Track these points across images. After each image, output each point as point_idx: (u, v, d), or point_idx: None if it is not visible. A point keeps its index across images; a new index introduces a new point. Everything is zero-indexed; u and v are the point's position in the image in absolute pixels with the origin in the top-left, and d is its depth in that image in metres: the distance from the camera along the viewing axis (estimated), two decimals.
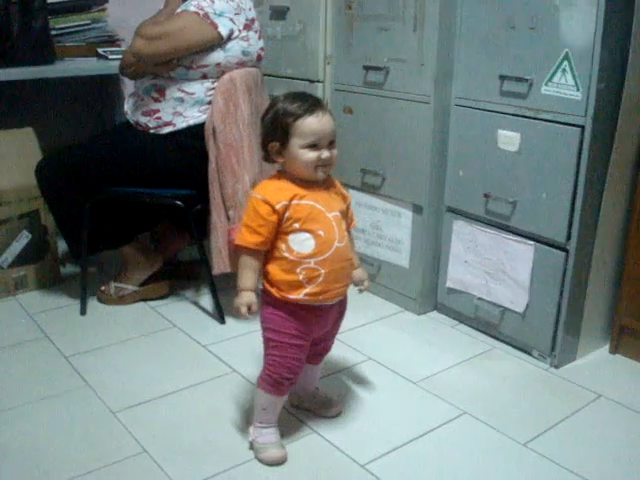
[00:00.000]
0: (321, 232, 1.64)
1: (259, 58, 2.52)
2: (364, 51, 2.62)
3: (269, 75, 2.87)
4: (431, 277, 2.62)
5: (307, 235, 1.64)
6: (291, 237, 1.64)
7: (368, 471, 1.75)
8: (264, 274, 1.69)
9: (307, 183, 1.66)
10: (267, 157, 1.70)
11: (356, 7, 2.61)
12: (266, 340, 1.73)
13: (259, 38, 2.51)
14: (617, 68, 2.07)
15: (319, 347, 1.85)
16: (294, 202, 1.63)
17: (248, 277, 1.66)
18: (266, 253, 1.67)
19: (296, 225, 1.63)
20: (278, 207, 1.61)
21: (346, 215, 1.76)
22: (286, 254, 1.64)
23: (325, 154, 1.63)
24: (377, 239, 2.71)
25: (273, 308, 1.69)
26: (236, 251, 1.68)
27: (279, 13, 2.94)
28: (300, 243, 1.63)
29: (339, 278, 1.70)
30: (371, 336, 2.46)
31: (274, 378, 1.71)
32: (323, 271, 1.65)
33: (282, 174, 1.69)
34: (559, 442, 1.89)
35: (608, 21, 1.98)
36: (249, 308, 1.65)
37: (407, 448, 1.84)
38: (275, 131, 1.65)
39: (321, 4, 2.74)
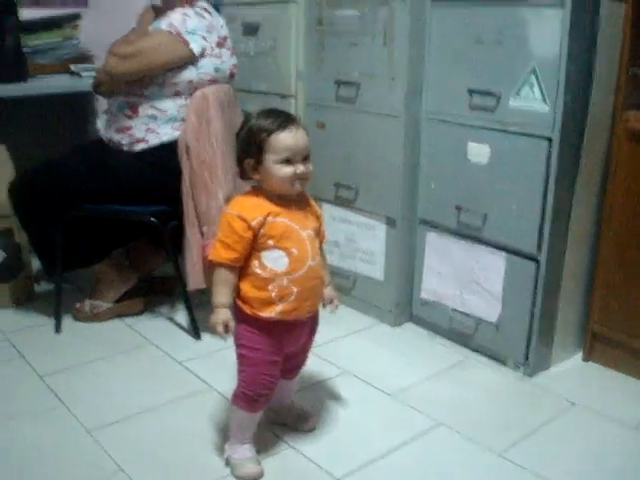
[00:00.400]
0: (295, 250, 1.65)
1: (232, 75, 2.54)
2: (335, 66, 2.64)
3: (242, 91, 2.88)
4: (406, 289, 2.64)
5: (281, 253, 1.65)
6: (265, 254, 1.64)
7: None
8: (236, 291, 1.69)
9: (282, 201, 1.67)
10: (243, 174, 1.71)
11: (327, 23, 2.64)
12: (239, 357, 1.73)
13: (232, 55, 2.52)
14: (583, 81, 2.11)
15: (293, 362, 1.85)
16: (269, 219, 1.64)
17: (223, 293, 1.66)
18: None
19: (270, 242, 1.64)
20: (253, 223, 1.62)
21: (319, 233, 1.77)
22: (259, 271, 1.65)
23: (300, 169, 1.64)
24: (352, 252, 2.73)
25: (245, 324, 1.69)
26: (210, 267, 1.69)
27: (251, 29, 2.96)
28: (274, 260, 1.64)
29: (310, 296, 1.72)
30: (346, 349, 2.47)
31: (249, 395, 1.71)
32: (295, 289, 1.66)
33: (257, 190, 1.69)
34: (534, 451, 1.91)
35: (574, 35, 2.02)
36: (225, 325, 1.65)
37: (383, 461, 1.85)
38: (249, 148, 1.65)
39: (292, 20, 2.77)
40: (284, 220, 1.65)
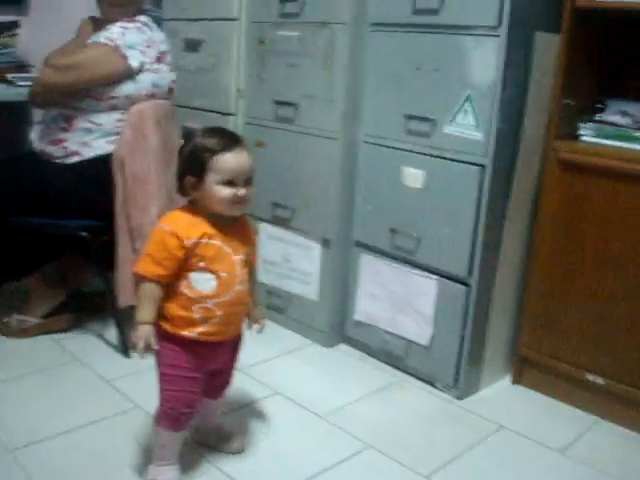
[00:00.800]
0: (224, 274, 1.64)
1: (170, 91, 2.52)
2: (275, 86, 2.65)
3: (182, 107, 2.87)
4: (340, 310, 2.64)
5: (210, 276, 1.63)
6: (194, 275, 1.62)
7: None
8: (161, 308, 1.66)
9: (218, 221, 1.65)
10: (182, 190, 1.68)
11: (268, 43, 2.65)
12: (160, 375, 1.70)
13: (171, 71, 2.51)
14: (516, 110, 2.16)
15: (217, 381, 1.83)
16: (203, 240, 1.62)
17: (147, 309, 1.62)
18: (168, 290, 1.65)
19: (201, 264, 1.62)
20: (187, 243, 1.60)
21: (251, 256, 1.76)
22: (185, 291, 1.63)
23: (241, 192, 1.62)
24: (288, 272, 2.72)
25: (166, 342, 1.66)
26: (136, 280, 1.66)
27: (193, 46, 2.95)
28: (202, 282, 1.62)
29: (234, 321, 1.72)
30: (278, 369, 2.45)
31: (171, 414, 1.69)
32: (219, 313, 1.66)
33: (194, 207, 1.67)
34: (461, 474, 1.93)
35: (508, 64, 2.07)
36: (147, 344, 1.61)
37: None
38: (192, 165, 1.63)
39: (234, 38, 2.77)
40: (218, 243, 1.64)
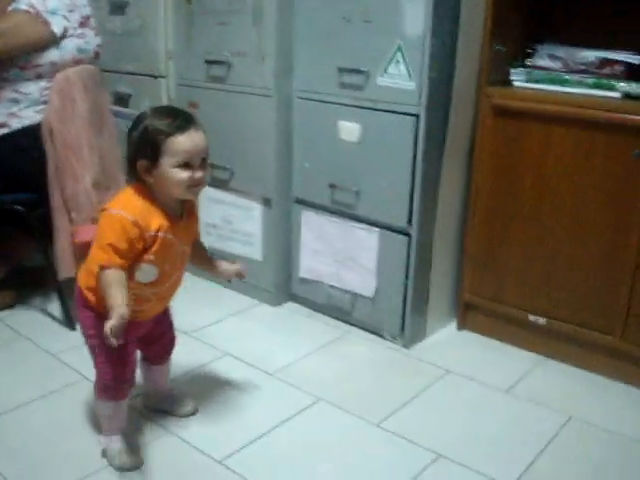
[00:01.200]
0: (167, 266, 1.62)
1: (96, 55, 2.46)
2: (205, 45, 2.60)
3: (110, 71, 2.80)
4: (284, 268, 2.65)
5: (154, 269, 1.60)
6: (139, 266, 1.58)
7: (226, 466, 1.75)
8: (90, 283, 1.61)
9: (171, 209, 1.61)
10: (133, 175, 1.61)
11: (195, 1, 2.59)
12: (92, 347, 1.67)
13: (96, 35, 2.44)
14: (447, 57, 2.17)
15: (157, 346, 1.83)
16: (160, 234, 1.57)
17: (120, 294, 1.51)
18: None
19: (150, 257, 1.58)
20: (147, 235, 1.55)
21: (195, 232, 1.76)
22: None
23: (198, 174, 1.57)
24: (229, 234, 2.71)
25: (91, 311, 1.64)
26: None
27: (118, 8, 2.87)
28: (145, 274, 1.59)
29: (165, 303, 1.74)
30: (227, 331, 2.46)
31: (110, 384, 1.68)
32: (154, 299, 1.66)
33: (146, 190, 1.59)
34: (411, 419, 1.97)
35: (437, 12, 2.06)
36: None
37: (263, 440, 1.86)
38: (144, 149, 1.56)
39: None
40: (169, 236, 1.59)
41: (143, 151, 1.56)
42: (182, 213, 1.66)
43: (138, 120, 1.60)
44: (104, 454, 1.75)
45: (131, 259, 1.55)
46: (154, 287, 1.63)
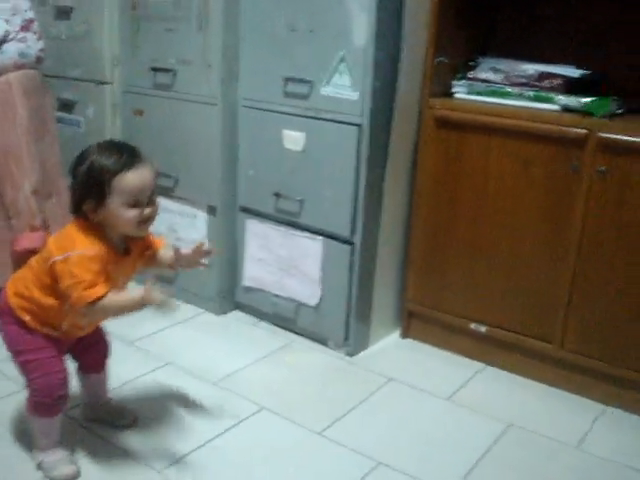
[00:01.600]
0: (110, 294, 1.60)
1: (39, 60, 2.41)
2: (151, 52, 2.58)
3: (55, 77, 2.76)
4: (229, 277, 2.64)
5: None
6: None
7: (165, 476, 1.73)
8: (24, 297, 1.59)
9: (116, 248, 1.59)
10: (78, 213, 1.57)
11: (141, 7, 2.57)
12: (24, 365, 1.64)
13: (38, 39, 2.40)
14: (391, 69, 2.20)
15: (91, 354, 1.81)
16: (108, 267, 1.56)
17: (128, 297, 1.55)
18: (46, 287, 1.58)
19: None
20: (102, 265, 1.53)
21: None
22: (67, 307, 1.57)
23: (147, 211, 1.56)
24: (174, 242, 2.65)
25: (17, 327, 1.61)
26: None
27: (63, 13, 2.83)
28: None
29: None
30: (170, 340, 2.44)
31: (45, 401, 1.64)
32: (87, 322, 1.66)
33: (91, 228, 1.56)
34: (352, 427, 1.98)
35: (380, 24, 2.09)
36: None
37: (204, 449, 1.85)
38: (90, 188, 1.52)
39: (105, 4, 2.67)
40: (114, 275, 1.57)
41: (89, 190, 1.52)
42: (127, 249, 1.63)
43: (83, 156, 1.55)
44: (39, 467, 1.72)
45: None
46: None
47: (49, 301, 1.59)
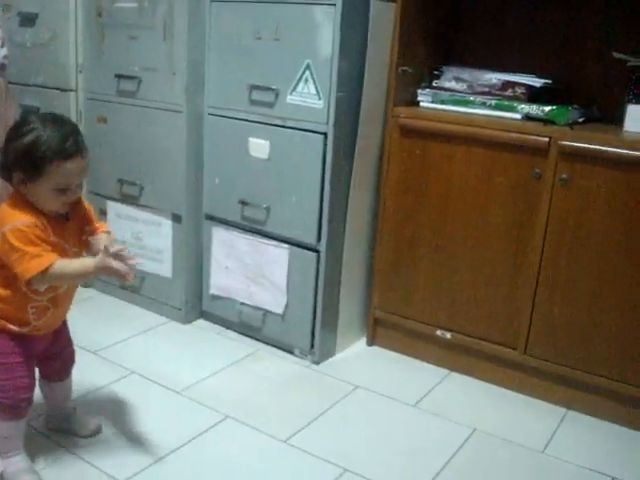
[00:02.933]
0: None
1: (2, 67, 2.38)
2: (116, 60, 2.57)
3: (18, 84, 2.73)
4: (195, 285, 2.62)
5: None
6: None
7: None
8: None
9: (54, 214, 1.57)
10: (4, 176, 1.55)
11: (106, 15, 2.56)
12: None
13: (2, 46, 2.37)
14: (356, 78, 2.21)
15: (56, 362, 1.79)
16: (50, 238, 1.54)
17: (77, 264, 1.54)
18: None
19: None
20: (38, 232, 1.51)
21: (86, 236, 1.69)
22: (23, 288, 1.54)
23: (72, 197, 1.55)
24: (139, 250, 2.66)
25: None
26: (44, 277, 1.52)
27: (28, 20, 2.80)
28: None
29: (62, 315, 1.72)
30: (134, 349, 2.41)
31: (8, 403, 1.62)
32: (52, 309, 1.63)
33: (25, 199, 1.54)
34: (318, 435, 1.97)
35: (345, 34, 2.11)
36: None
37: (168, 459, 1.83)
38: (25, 162, 1.49)
39: (70, 11, 2.66)
40: (56, 239, 1.56)
41: (24, 165, 1.50)
42: (66, 214, 1.61)
43: (25, 126, 1.52)
44: (1, 477, 1.69)
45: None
46: (50, 292, 1.59)
47: (6, 292, 1.57)
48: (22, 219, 1.50)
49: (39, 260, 1.49)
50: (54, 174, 1.50)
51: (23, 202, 1.54)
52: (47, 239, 1.52)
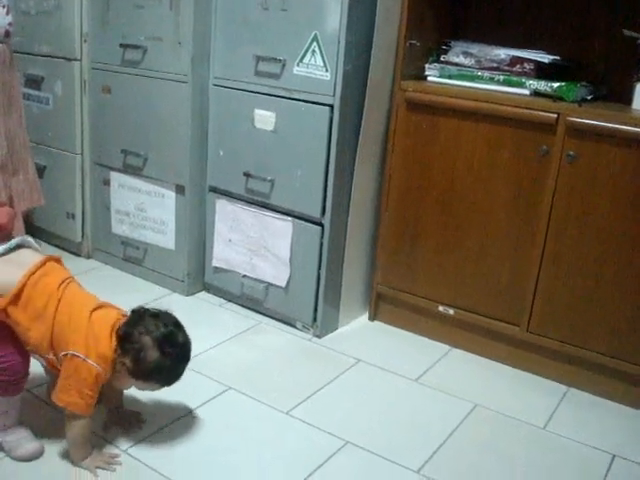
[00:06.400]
0: None
1: (7, 34, 2.36)
2: (121, 29, 2.54)
3: (23, 53, 2.71)
4: (198, 258, 2.62)
5: None
6: None
7: (130, 455, 1.72)
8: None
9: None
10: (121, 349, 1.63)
11: None
12: None
13: (7, 13, 2.34)
14: (363, 50, 2.18)
15: None
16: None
17: (84, 450, 1.67)
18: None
19: None
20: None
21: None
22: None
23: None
24: (142, 221, 2.66)
25: None
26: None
27: None
28: None
29: None
30: None
31: (4, 379, 1.60)
32: None
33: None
34: (320, 407, 1.98)
35: (354, 6, 2.08)
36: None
37: (170, 429, 1.83)
38: (138, 370, 1.63)
39: None
40: None
41: (137, 370, 1.63)
42: None
43: (168, 337, 1.73)
44: (1, 447, 1.69)
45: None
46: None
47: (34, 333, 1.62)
48: (99, 361, 1.59)
49: (80, 405, 1.60)
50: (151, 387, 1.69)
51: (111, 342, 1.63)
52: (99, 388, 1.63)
